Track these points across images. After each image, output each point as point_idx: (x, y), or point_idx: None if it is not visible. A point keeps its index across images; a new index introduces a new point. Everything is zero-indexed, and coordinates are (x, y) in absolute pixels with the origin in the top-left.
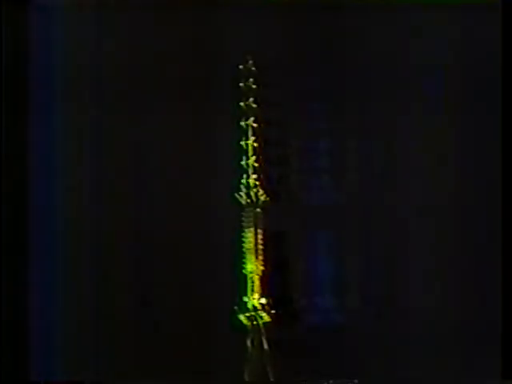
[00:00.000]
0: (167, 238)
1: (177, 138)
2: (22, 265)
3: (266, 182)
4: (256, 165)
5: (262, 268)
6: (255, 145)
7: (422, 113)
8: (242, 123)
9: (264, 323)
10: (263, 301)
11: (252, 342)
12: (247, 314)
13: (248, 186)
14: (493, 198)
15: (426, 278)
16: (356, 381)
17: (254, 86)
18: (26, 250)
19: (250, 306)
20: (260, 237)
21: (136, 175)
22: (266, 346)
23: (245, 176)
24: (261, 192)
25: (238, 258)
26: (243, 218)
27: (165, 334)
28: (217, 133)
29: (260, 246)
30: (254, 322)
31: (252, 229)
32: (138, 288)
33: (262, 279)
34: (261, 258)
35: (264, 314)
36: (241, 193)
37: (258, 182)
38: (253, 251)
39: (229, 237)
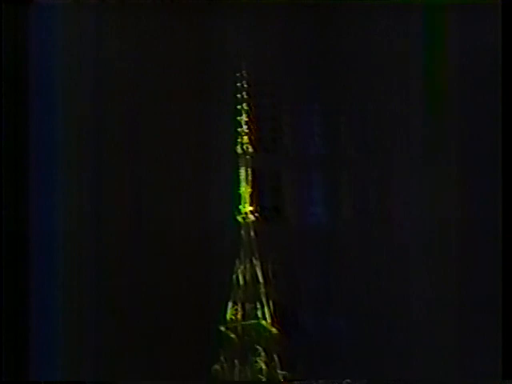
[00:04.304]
0: (187, 174)
1: (194, 117)
2: (23, 266)
3: (253, 140)
4: (247, 131)
5: (250, 190)
6: (246, 119)
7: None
8: (238, 106)
9: (251, 221)
10: (251, 208)
11: (244, 232)
12: (242, 216)
13: (242, 143)
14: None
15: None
16: (365, 381)
17: (245, 85)
18: (26, 251)
19: (242, 211)
20: (249, 172)
21: (162, 142)
22: (252, 235)
23: (239, 137)
24: (250, 146)
25: (235, 183)
26: (238, 162)
27: (180, 233)
28: (221, 112)
29: (249, 178)
30: (246, 220)
31: (244, 167)
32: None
33: (250, 196)
34: (250, 184)
35: (251, 216)
36: (237, 147)
37: (247, 141)
38: (244, 180)
39: (229, 171)
